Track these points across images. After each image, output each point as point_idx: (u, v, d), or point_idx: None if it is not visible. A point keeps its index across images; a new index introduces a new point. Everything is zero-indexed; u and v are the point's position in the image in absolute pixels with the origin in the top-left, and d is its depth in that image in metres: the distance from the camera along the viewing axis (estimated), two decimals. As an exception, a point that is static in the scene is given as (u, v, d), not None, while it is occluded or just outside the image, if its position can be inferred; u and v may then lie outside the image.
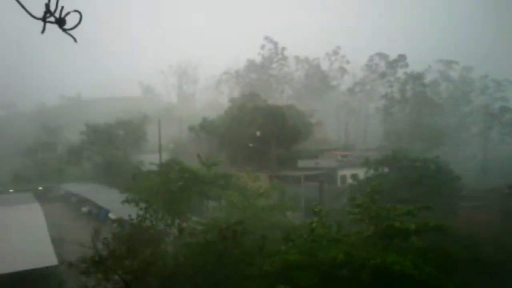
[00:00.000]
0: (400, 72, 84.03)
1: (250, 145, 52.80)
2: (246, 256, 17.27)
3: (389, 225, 16.96)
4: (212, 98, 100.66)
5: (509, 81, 80.00)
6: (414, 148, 52.70)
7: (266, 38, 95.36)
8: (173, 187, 30.61)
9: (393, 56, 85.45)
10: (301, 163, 53.72)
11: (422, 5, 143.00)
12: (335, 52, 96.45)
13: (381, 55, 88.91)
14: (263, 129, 52.84)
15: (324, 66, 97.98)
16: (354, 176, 48.41)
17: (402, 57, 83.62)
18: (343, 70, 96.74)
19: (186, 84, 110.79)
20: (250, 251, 17.59)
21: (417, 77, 77.88)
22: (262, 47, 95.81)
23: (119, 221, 22.91)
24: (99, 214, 41.41)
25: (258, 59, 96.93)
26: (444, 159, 47.99)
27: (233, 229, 16.69)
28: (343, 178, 50.93)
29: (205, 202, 31.49)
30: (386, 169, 41.67)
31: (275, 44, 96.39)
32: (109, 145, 58.46)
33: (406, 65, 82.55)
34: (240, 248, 16.99)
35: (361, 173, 47.00)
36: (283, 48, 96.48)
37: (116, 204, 30.46)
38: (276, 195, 33.09)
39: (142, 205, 21.71)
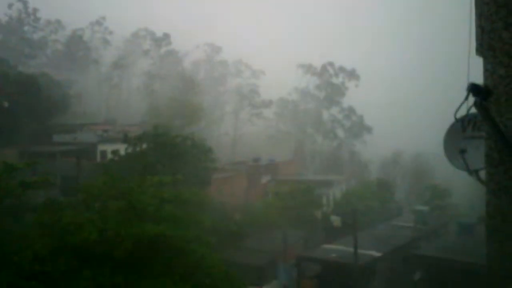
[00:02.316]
0: (164, 50, 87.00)
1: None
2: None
3: (143, 198, 17.76)
4: None
5: (260, 70, 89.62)
6: (174, 125, 55.03)
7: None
8: None
9: (160, 34, 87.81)
10: (57, 138, 50.40)
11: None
12: (99, 23, 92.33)
13: (148, 31, 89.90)
14: (12, 99, 47.37)
15: (86, 36, 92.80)
16: (114, 152, 47.98)
17: (166, 36, 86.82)
18: (106, 42, 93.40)
19: None
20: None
21: (173, 54, 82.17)
22: (10, 6, 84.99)
23: None
24: None
25: (4, 19, 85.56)
26: (200, 135, 51.67)
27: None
28: (104, 153, 49.88)
29: None
30: (145, 145, 42.60)
31: (25, 3, 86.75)
32: None
33: (170, 44, 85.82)
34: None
35: (123, 149, 46.90)
36: (35, 10, 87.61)
37: None
38: (28, 173, 30.38)
39: None
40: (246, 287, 18.89)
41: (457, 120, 3.43)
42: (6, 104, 47.08)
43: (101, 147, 50.12)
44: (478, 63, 2.61)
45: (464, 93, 2.30)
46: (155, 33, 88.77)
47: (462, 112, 2.80)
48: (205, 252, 17.88)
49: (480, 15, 2.53)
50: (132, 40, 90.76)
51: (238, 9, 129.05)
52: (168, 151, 41.38)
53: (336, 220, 35.52)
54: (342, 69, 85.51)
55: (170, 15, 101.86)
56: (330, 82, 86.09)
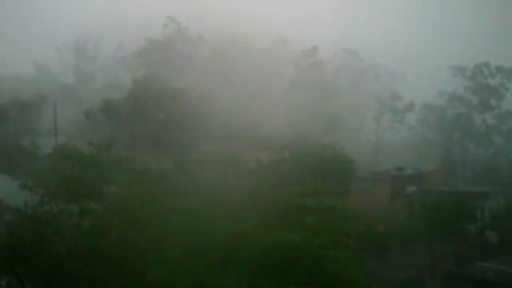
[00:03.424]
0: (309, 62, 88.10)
1: (154, 128, 51.93)
2: (150, 243, 17.16)
3: (287, 204, 17.93)
4: (113, 78, 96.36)
5: (401, 73, 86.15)
6: (315, 134, 55.18)
7: (169, 17, 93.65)
8: (70, 172, 29.29)
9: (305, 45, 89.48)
10: (206, 147, 54.01)
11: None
12: (236, 38, 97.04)
13: (280, 39, 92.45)
14: (168, 112, 52.15)
15: (227, 50, 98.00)
16: (257, 160, 49.78)
17: (314, 48, 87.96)
18: (244, 56, 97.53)
19: (85, 63, 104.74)
20: (154, 238, 17.51)
21: (317, 65, 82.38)
22: (165, 26, 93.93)
23: (11, 210, 21.52)
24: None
25: (160, 39, 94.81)
26: (340, 143, 51.03)
27: (133, 213, 16.54)
28: (247, 161, 52.03)
29: (105, 187, 30.51)
30: (287, 154, 43.43)
31: (179, 23, 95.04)
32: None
33: (316, 56, 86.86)
34: (143, 234, 16.87)
35: (264, 157, 48.44)
36: (186, 29, 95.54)
37: (9, 191, 28.41)
38: (179, 179, 33.05)
39: (38, 191, 20.52)
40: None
41: None
42: (162, 116, 52.00)
43: (244, 155, 52.27)
44: None
45: None
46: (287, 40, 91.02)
47: None
48: (345, 261, 17.38)
49: None
50: (270, 52, 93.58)
51: (374, 12, 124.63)
52: (309, 160, 41.57)
53: (492, 235, 32.11)
54: (499, 68, 76.94)
55: (310, 25, 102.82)
56: (485, 84, 78.17)
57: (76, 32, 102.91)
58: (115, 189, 27.12)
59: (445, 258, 32.67)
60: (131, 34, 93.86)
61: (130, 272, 15.55)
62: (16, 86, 73.70)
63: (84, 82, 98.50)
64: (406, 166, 55.49)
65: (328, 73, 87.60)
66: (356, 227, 23.19)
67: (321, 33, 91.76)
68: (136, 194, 20.33)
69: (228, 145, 55.64)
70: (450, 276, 29.30)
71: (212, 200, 29.20)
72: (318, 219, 20.44)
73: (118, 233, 16.37)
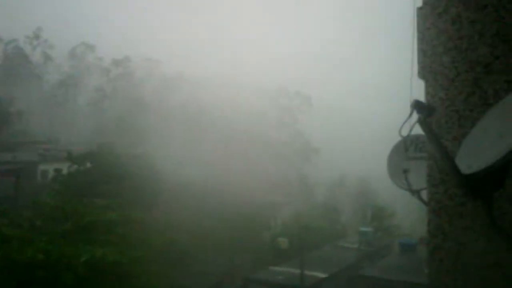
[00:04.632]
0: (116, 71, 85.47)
1: None
2: None
3: (90, 220, 17.16)
4: None
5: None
6: (121, 145, 53.70)
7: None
8: None
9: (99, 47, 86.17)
10: (-6, 155, 48.05)
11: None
12: (37, 36, 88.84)
13: (87, 45, 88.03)
14: None
15: (26, 49, 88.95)
16: (57, 171, 46.26)
17: (127, 59, 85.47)
18: (47, 57, 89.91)
19: None
20: None
21: (126, 76, 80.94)
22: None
23: None
24: None
25: None
26: (148, 156, 50.74)
27: None
28: (45, 173, 48.12)
29: None
30: (90, 164, 41.52)
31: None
32: None
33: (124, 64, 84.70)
34: None
35: (65, 168, 45.32)
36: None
37: None
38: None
39: None
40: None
41: (403, 139, 3.53)
42: None
43: (42, 167, 48.37)
44: (421, 86, 2.75)
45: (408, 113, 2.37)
46: (94, 47, 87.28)
47: (407, 132, 2.89)
48: (151, 275, 17.44)
49: (422, 39, 2.67)
50: (72, 55, 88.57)
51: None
52: (114, 171, 40.34)
53: (283, 241, 35.69)
54: (297, 93, 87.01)
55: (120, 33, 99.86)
56: (283, 106, 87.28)
57: None
58: None
59: (244, 265, 35.06)
60: None
61: None
62: None
63: None
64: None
65: (136, 83, 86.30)
66: (161, 239, 23.46)
67: (127, 42, 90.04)
68: None
69: (24, 154, 50.50)
70: (246, 281, 31.50)
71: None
72: (124, 233, 20.03)
73: None
